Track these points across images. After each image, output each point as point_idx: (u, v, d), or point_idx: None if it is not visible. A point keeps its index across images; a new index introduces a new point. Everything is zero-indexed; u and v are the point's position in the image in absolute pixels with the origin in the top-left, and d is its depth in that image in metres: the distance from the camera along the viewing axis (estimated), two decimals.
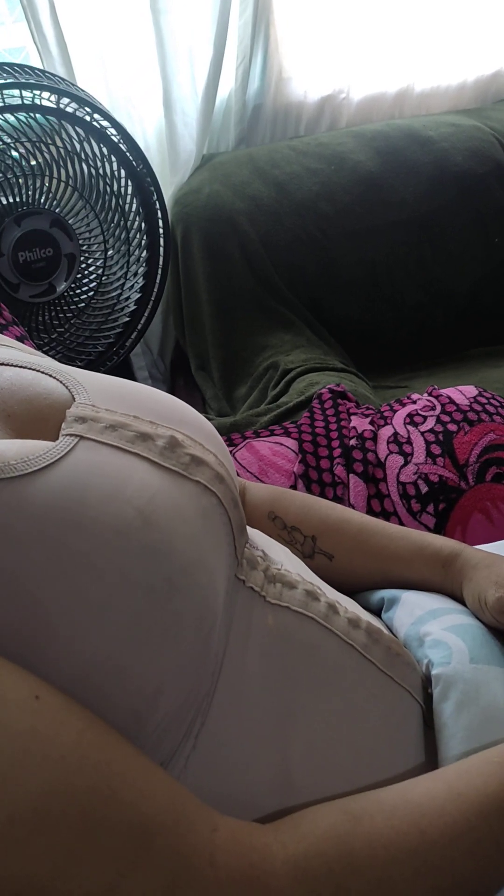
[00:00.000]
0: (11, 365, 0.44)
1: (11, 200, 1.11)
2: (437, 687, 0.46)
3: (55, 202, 1.15)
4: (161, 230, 1.28)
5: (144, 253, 1.28)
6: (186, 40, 1.32)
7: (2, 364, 0.44)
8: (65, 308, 1.24)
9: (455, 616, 0.51)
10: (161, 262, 1.31)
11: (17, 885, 0.26)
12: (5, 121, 1.07)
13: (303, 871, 0.32)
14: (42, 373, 0.45)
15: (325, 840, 0.34)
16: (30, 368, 0.45)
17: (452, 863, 0.34)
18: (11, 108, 1.05)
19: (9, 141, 1.07)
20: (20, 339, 0.88)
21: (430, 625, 0.50)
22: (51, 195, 1.14)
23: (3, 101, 1.04)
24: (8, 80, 1.05)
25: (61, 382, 0.44)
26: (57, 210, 1.15)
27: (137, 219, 1.25)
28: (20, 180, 1.10)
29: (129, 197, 1.22)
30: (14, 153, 1.08)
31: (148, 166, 1.21)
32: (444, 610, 0.52)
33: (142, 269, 1.29)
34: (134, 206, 1.23)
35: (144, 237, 1.27)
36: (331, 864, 0.33)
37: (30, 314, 1.20)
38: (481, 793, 0.36)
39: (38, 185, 1.12)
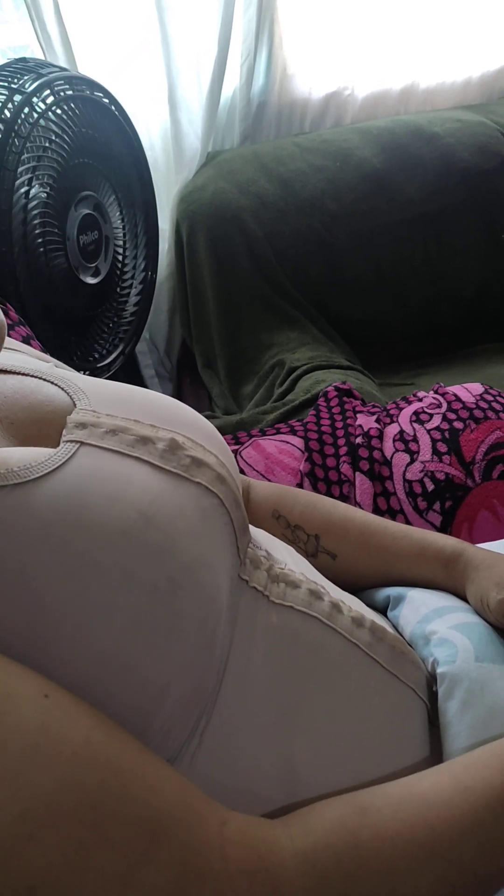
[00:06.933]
0: (15, 373, 0.45)
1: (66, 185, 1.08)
2: (442, 685, 0.46)
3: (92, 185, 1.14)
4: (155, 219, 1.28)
5: (145, 238, 1.28)
6: (191, 38, 1.32)
7: (6, 372, 0.45)
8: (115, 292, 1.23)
9: (461, 614, 0.51)
10: (157, 250, 1.32)
11: (31, 878, 0.27)
12: (53, 112, 1.04)
13: (311, 863, 0.33)
14: (44, 380, 0.45)
15: (333, 833, 0.34)
16: (32, 376, 0.46)
17: (460, 855, 0.34)
18: (66, 100, 1.04)
19: (57, 131, 1.05)
20: (26, 339, 0.88)
21: (435, 623, 0.50)
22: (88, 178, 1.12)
23: (54, 95, 1.02)
24: (56, 73, 1.02)
25: (63, 389, 0.44)
26: (94, 193, 1.14)
27: (141, 205, 1.25)
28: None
29: (133, 179, 1.22)
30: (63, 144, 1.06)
31: (142, 152, 1.22)
32: (450, 608, 0.52)
33: (143, 255, 1.29)
34: (139, 190, 1.23)
35: (145, 225, 1.27)
36: (339, 855, 0.33)
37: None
38: (488, 785, 0.36)
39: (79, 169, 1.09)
